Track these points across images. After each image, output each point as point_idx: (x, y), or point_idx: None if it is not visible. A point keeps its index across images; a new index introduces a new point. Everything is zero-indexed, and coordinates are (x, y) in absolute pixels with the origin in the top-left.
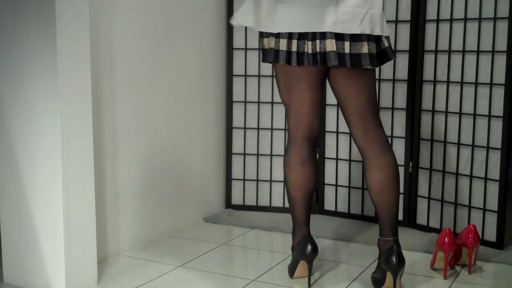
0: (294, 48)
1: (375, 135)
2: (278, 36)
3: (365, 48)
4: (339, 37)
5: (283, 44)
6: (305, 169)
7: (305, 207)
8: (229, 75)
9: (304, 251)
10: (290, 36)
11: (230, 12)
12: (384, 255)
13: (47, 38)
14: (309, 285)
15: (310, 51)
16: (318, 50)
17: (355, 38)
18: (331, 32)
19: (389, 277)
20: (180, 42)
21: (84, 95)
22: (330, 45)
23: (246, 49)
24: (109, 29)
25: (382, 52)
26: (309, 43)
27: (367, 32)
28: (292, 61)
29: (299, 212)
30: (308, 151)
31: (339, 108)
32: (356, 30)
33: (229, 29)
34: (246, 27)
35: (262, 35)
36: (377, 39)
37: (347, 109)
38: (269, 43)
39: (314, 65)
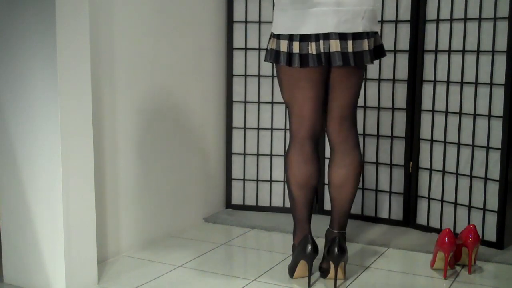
0: (296, 49)
1: (347, 135)
2: (278, 37)
3: (365, 45)
4: (343, 37)
5: (283, 46)
6: (308, 167)
7: (306, 206)
8: (229, 75)
9: (305, 251)
10: (291, 37)
11: (230, 12)
12: (327, 245)
13: (47, 38)
14: (309, 285)
15: (314, 52)
16: (322, 50)
17: (357, 37)
18: (335, 33)
19: (332, 266)
20: (180, 42)
21: (84, 95)
22: (335, 45)
23: (246, 49)
24: (109, 29)
25: (379, 48)
26: (313, 44)
27: (368, 29)
28: (294, 62)
29: (300, 210)
30: (311, 149)
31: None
32: (358, 28)
33: (229, 29)
34: (246, 27)
35: (270, 36)
36: (374, 35)
37: (332, 101)
38: (271, 43)
39: (319, 65)
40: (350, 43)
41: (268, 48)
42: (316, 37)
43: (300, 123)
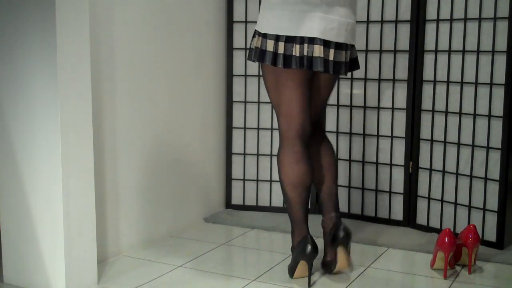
0: (281, 50)
1: (322, 128)
2: (265, 36)
3: (343, 56)
4: (326, 44)
5: (270, 45)
6: (300, 167)
7: (302, 206)
8: (229, 75)
9: (304, 251)
10: (277, 38)
11: (230, 12)
12: (331, 232)
13: (47, 38)
14: (309, 285)
15: (298, 54)
16: (305, 54)
17: (338, 47)
18: (320, 38)
19: (341, 253)
20: (180, 42)
21: (84, 95)
22: (318, 50)
23: (246, 49)
24: (109, 29)
25: (354, 60)
26: (297, 46)
27: (348, 42)
28: (278, 63)
29: (296, 211)
30: (301, 148)
31: None
32: (340, 38)
33: (229, 29)
34: (246, 27)
35: (253, 34)
36: (351, 48)
37: (311, 100)
38: (256, 42)
39: (300, 68)
40: (332, 51)
41: (253, 47)
42: (301, 40)
43: (288, 123)
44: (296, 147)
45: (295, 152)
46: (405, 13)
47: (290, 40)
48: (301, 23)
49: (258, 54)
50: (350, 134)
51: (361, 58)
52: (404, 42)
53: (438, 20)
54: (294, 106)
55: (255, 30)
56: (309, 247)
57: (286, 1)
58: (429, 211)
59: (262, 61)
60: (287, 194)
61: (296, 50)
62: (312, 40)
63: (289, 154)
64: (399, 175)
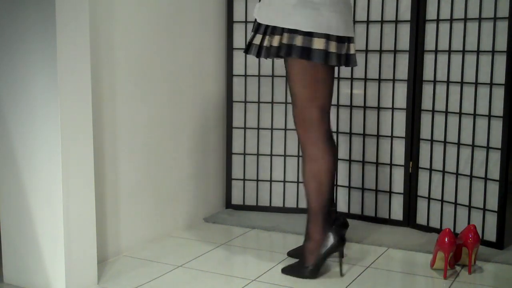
0: (332, 49)
1: None
2: (310, 35)
3: None
4: (353, 41)
5: (319, 43)
6: (333, 152)
7: (330, 192)
8: (229, 75)
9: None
10: (327, 37)
11: (230, 12)
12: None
13: (47, 38)
14: (341, 273)
15: (344, 52)
16: (346, 51)
17: (352, 41)
18: (353, 37)
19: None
20: (180, 42)
21: (84, 95)
22: (353, 48)
23: None
24: (109, 29)
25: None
26: (345, 45)
27: None
28: (331, 61)
29: (327, 199)
30: (331, 138)
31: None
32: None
33: (229, 29)
34: (246, 27)
35: (265, 32)
36: None
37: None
38: (294, 40)
39: (343, 65)
40: (353, 46)
41: (274, 44)
42: (348, 40)
43: (322, 116)
44: (326, 137)
45: (327, 141)
46: (405, 13)
47: (340, 40)
48: (345, 24)
49: (299, 51)
50: (350, 134)
51: (361, 58)
52: (404, 42)
53: (438, 20)
54: (327, 100)
55: (275, 27)
56: (336, 238)
57: (331, 3)
58: (429, 211)
59: (308, 59)
60: (325, 184)
61: (344, 49)
62: (350, 40)
63: (325, 143)
64: (399, 175)
